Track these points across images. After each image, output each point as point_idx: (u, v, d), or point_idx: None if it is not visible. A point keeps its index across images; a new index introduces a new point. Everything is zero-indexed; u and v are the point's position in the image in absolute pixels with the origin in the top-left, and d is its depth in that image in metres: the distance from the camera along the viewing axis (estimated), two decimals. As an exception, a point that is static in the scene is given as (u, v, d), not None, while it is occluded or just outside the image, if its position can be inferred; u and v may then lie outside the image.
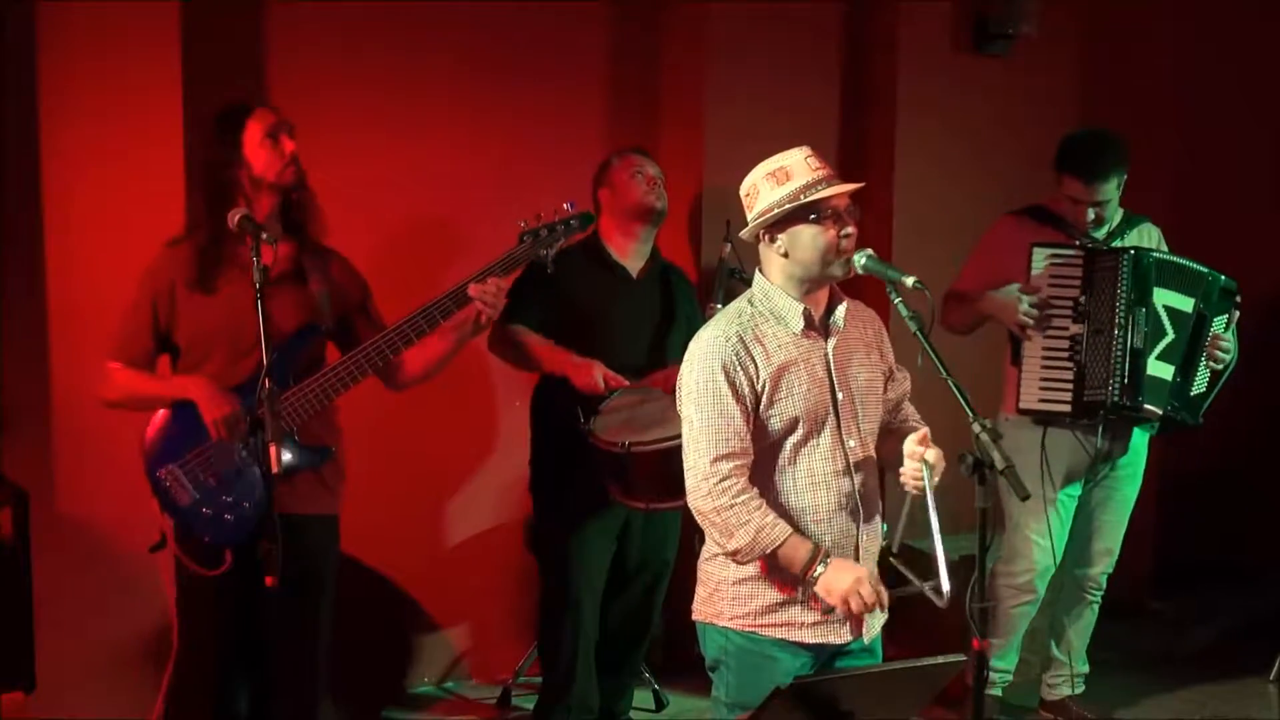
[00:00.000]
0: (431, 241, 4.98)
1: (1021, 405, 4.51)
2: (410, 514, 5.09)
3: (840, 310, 3.20)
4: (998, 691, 4.81)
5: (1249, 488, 6.10)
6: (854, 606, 3.03)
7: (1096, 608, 4.78)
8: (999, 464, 2.94)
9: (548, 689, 4.62)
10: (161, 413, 3.61)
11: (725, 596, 3.17)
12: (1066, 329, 4.47)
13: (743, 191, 3.18)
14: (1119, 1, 5.97)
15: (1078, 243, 4.54)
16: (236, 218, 3.42)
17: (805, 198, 3.07)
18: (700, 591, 3.25)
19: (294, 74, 4.81)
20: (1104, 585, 4.77)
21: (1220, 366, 4.53)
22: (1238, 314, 4.56)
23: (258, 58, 4.79)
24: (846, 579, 3.02)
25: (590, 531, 4.48)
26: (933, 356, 3.09)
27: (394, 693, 5.11)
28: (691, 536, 4.73)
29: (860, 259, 3.10)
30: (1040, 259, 4.49)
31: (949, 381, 3.11)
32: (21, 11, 4.30)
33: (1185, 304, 4.46)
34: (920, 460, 3.07)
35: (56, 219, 4.38)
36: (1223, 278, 4.52)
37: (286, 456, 3.41)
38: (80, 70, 4.36)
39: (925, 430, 3.14)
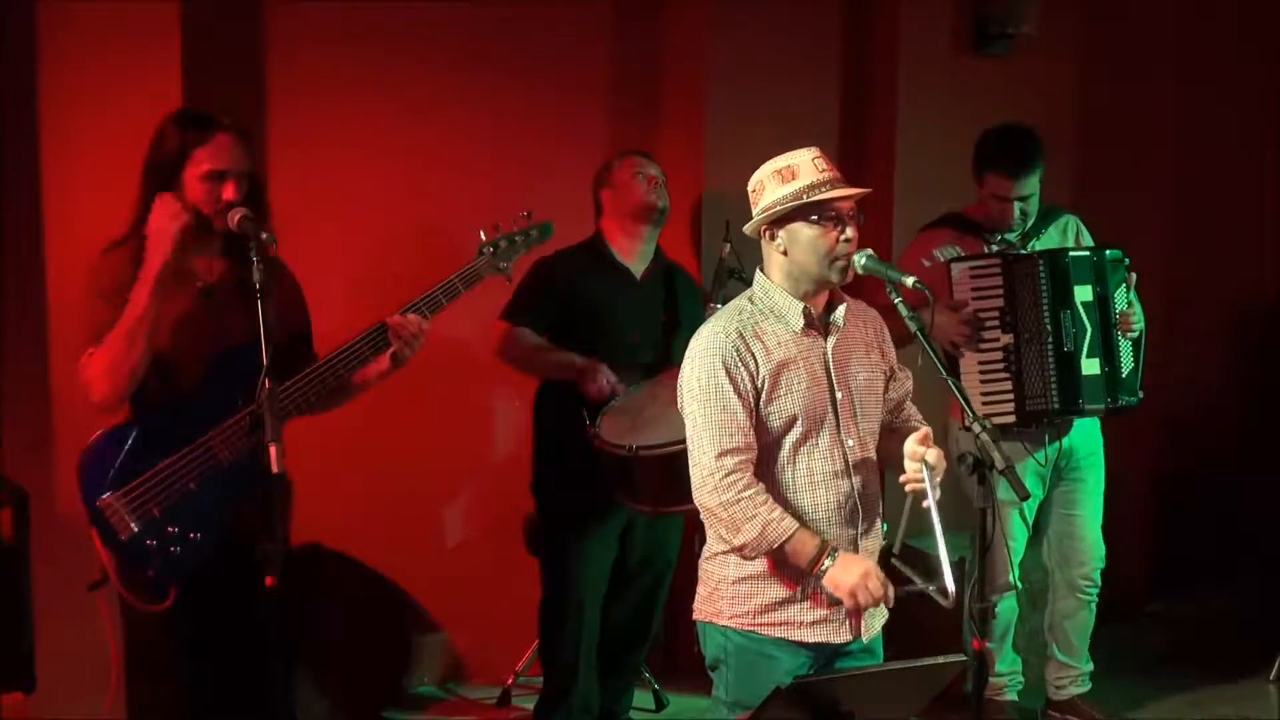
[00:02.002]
0: (430, 243, 4.97)
1: (966, 422, 4.52)
2: (410, 514, 5.09)
3: (840, 309, 3.20)
4: (1014, 696, 4.80)
5: (1246, 487, 6.10)
6: (862, 600, 3.03)
7: (1093, 606, 4.76)
8: (999, 464, 2.94)
9: (548, 689, 4.62)
10: (98, 435, 3.35)
11: (725, 595, 3.17)
12: (998, 339, 4.48)
13: (750, 186, 3.19)
14: (1119, 1, 5.98)
15: (994, 249, 4.54)
16: (237, 217, 3.29)
17: (808, 198, 3.07)
18: (700, 590, 3.25)
19: (293, 73, 4.82)
20: (1098, 582, 4.74)
21: (1136, 334, 4.55)
22: (1134, 276, 4.56)
23: (257, 58, 4.79)
24: (854, 573, 3.03)
25: (592, 532, 4.48)
26: (933, 357, 3.10)
27: (394, 693, 5.10)
28: (693, 537, 4.74)
29: (860, 259, 3.11)
30: (958, 273, 4.49)
31: (949, 382, 3.13)
32: (21, 11, 4.30)
33: (1087, 293, 4.47)
34: (920, 461, 3.07)
35: (56, 219, 4.38)
36: (1106, 251, 4.54)
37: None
38: (80, 70, 4.36)
39: (926, 430, 3.14)
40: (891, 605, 3.14)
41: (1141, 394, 4.59)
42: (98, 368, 3.33)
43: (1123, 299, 4.53)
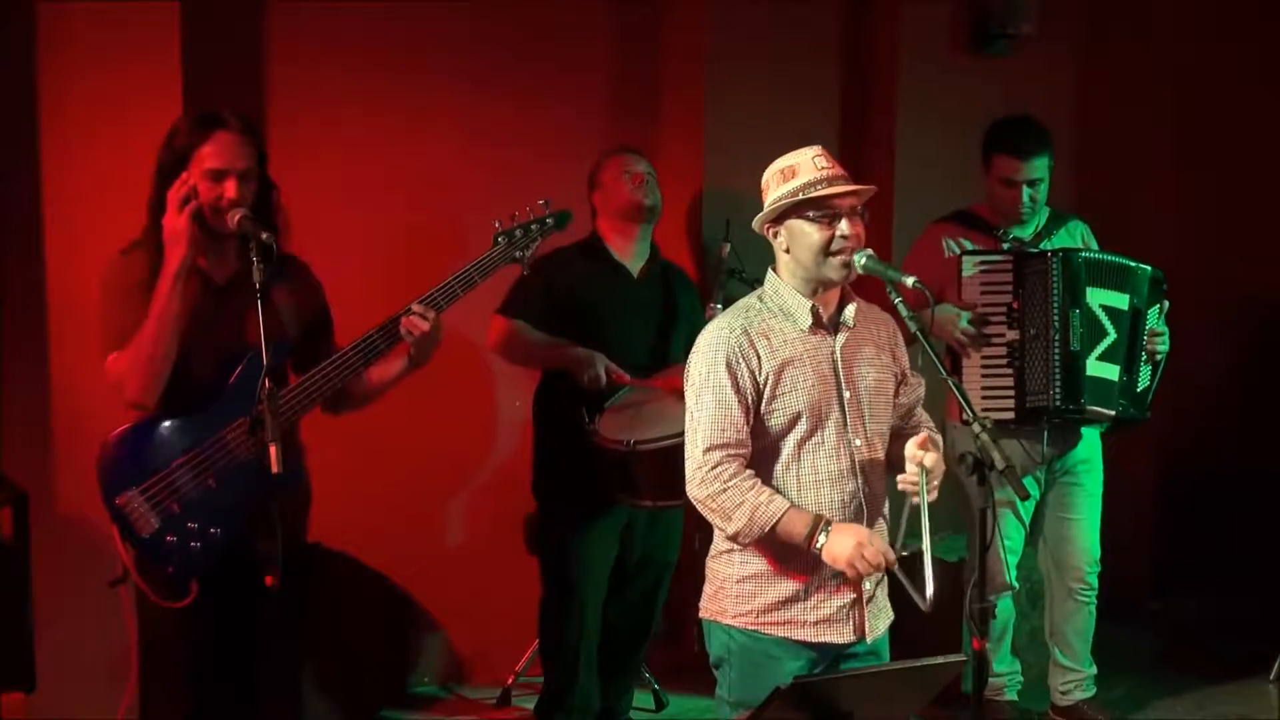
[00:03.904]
0: (431, 241, 4.98)
1: (964, 418, 4.51)
2: (410, 514, 5.09)
3: (850, 309, 3.21)
4: (1013, 696, 4.80)
5: (1247, 488, 6.10)
6: (861, 569, 3.03)
7: (1092, 609, 4.74)
8: (999, 464, 2.94)
9: (549, 689, 4.62)
10: (116, 433, 3.35)
11: (729, 594, 3.18)
12: (1003, 335, 4.47)
13: (761, 185, 3.21)
14: (1119, 1, 5.98)
15: (1006, 247, 4.54)
16: (237, 218, 3.30)
17: (804, 195, 3.09)
18: (706, 589, 3.26)
19: (293, 73, 4.82)
20: (1095, 585, 4.72)
21: (1159, 357, 4.54)
22: (1168, 304, 4.56)
23: (257, 57, 4.80)
24: (849, 543, 3.03)
25: (593, 531, 4.48)
26: (933, 357, 3.10)
27: (394, 693, 5.11)
28: (693, 536, 4.74)
29: (860, 259, 3.11)
30: (970, 267, 4.49)
31: (949, 382, 3.13)
32: (21, 11, 4.30)
33: (1121, 301, 4.46)
34: (918, 464, 3.07)
35: (56, 219, 4.38)
36: (1149, 269, 4.53)
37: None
38: (80, 71, 4.36)
39: (925, 435, 3.14)
40: (895, 568, 3.11)
41: (1149, 415, 4.58)
42: (129, 367, 3.32)
43: (1154, 317, 4.53)
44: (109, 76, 4.37)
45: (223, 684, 3.44)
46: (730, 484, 3.07)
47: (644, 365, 4.45)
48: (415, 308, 3.46)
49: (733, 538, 3.12)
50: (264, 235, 3.25)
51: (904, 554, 3.15)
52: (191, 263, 3.33)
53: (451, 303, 3.53)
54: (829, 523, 3.07)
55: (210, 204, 3.34)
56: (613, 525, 4.50)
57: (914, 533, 3.12)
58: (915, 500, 3.07)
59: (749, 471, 3.09)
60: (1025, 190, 4.52)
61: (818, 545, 3.05)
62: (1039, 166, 4.51)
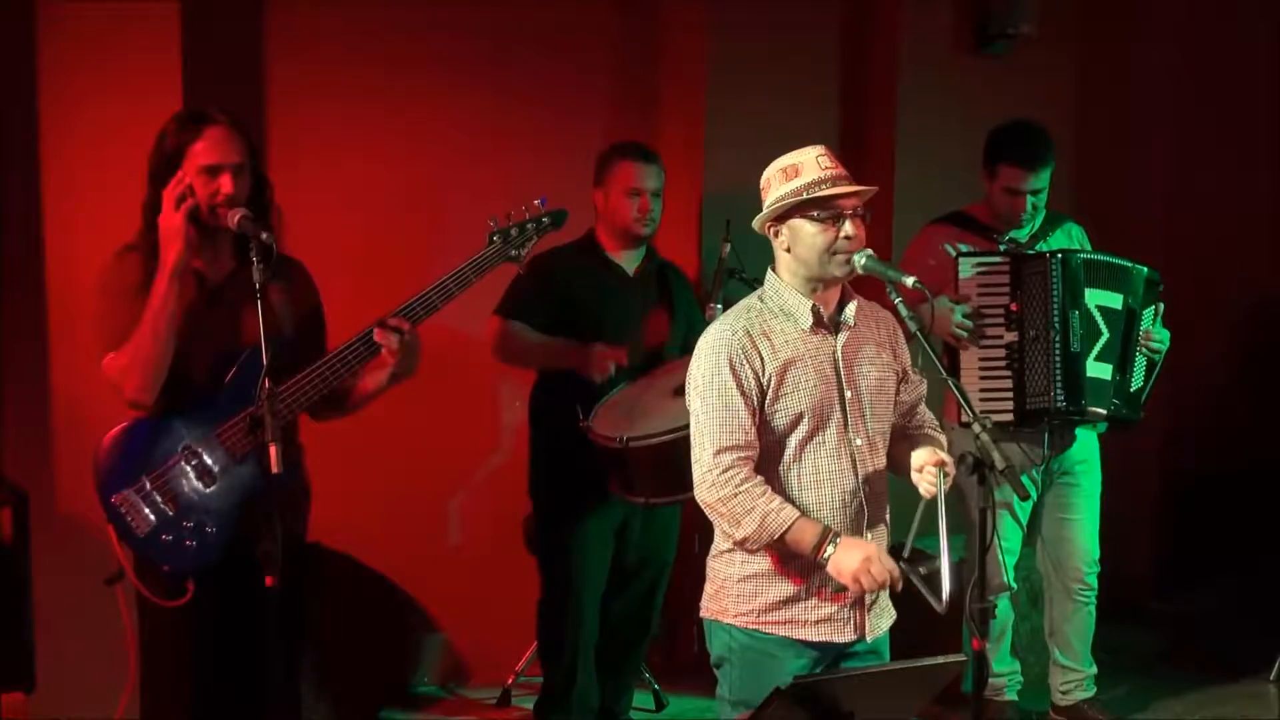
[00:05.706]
0: (431, 239, 4.98)
1: (963, 419, 4.50)
2: (410, 514, 5.10)
3: (850, 308, 3.20)
4: (1013, 696, 4.80)
5: (1248, 487, 6.10)
6: (865, 584, 3.03)
7: (1092, 609, 4.74)
8: (999, 464, 2.94)
9: (548, 689, 4.62)
10: (111, 432, 3.36)
11: (730, 593, 3.18)
12: (1000, 337, 4.46)
13: (761, 184, 3.20)
14: (1119, 1, 5.98)
15: (1003, 248, 4.54)
16: (237, 218, 3.29)
17: (808, 195, 3.08)
18: (707, 588, 3.26)
19: (293, 73, 4.83)
20: (1094, 586, 4.72)
21: (1156, 357, 4.53)
22: (1163, 306, 4.55)
23: (257, 57, 4.80)
24: (856, 557, 3.03)
25: (590, 530, 4.47)
26: (933, 357, 3.10)
27: (394, 693, 5.11)
28: (691, 536, 4.74)
29: (860, 259, 3.11)
30: (967, 268, 4.48)
31: (949, 382, 3.13)
32: (21, 12, 4.30)
33: (1115, 301, 4.46)
34: (937, 465, 3.07)
35: (56, 220, 4.38)
36: (1145, 269, 4.52)
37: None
38: (80, 71, 4.36)
39: (936, 452, 3.13)
40: (899, 589, 3.12)
41: (1143, 414, 4.58)
42: (127, 366, 3.32)
43: (1149, 318, 4.52)
44: (109, 76, 4.38)
45: (222, 684, 3.43)
46: (742, 489, 3.06)
47: (641, 364, 4.45)
48: (404, 323, 3.43)
49: (740, 543, 3.11)
50: (264, 235, 3.24)
51: (903, 556, 3.14)
52: (188, 262, 3.33)
53: (447, 301, 3.50)
54: (838, 534, 3.06)
55: (206, 200, 3.33)
56: (608, 525, 4.50)
57: (922, 533, 3.11)
58: (931, 495, 3.05)
59: (760, 478, 3.08)
60: (1029, 199, 4.52)
61: (825, 556, 3.04)
62: (1042, 178, 4.51)
